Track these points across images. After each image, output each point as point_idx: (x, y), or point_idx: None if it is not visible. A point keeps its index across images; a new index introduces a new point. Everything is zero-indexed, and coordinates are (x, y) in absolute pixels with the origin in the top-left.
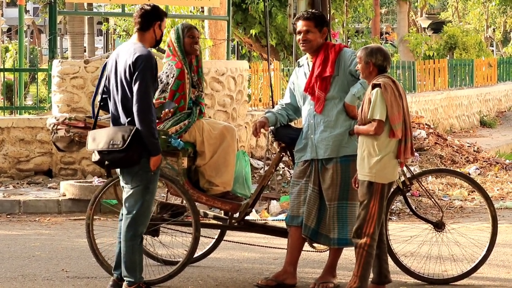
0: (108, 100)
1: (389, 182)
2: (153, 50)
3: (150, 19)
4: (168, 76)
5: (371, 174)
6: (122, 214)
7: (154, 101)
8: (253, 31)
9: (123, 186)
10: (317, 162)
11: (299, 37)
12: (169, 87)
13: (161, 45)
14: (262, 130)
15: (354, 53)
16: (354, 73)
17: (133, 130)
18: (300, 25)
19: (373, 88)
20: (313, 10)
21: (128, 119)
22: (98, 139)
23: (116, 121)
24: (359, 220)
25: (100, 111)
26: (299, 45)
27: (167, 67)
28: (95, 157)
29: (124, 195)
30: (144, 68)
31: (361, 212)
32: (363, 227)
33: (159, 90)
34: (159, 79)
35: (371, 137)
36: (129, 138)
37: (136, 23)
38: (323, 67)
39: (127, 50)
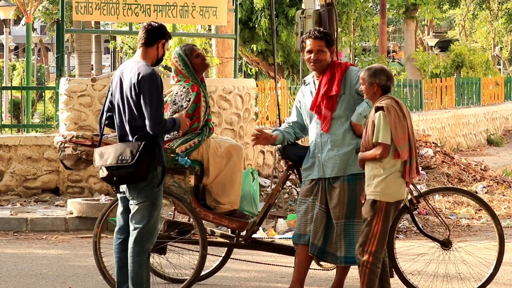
0: (114, 118)
1: (395, 200)
2: (160, 68)
3: (156, 36)
4: (183, 99)
5: (376, 192)
6: (116, 232)
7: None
8: (254, 47)
9: (130, 204)
10: (324, 180)
11: (309, 55)
12: (186, 110)
13: (168, 63)
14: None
15: (360, 71)
16: (360, 92)
17: (142, 145)
18: (311, 44)
19: (376, 111)
20: (322, 29)
21: (135, 136)
22: (106, 155)
23: (123, 138)
24: (361, 237)
25: (107, 128)
26: (308, 64)
27: (182, 90)
28: (103, 173)
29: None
30: (150, 87)
31: (364, 230)
32: (366, 245)
33: (171, 111)
34: (172, 100)
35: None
36: (138, 153)
37: (141, 38)
38: (329, 86)
39: (131, 69)
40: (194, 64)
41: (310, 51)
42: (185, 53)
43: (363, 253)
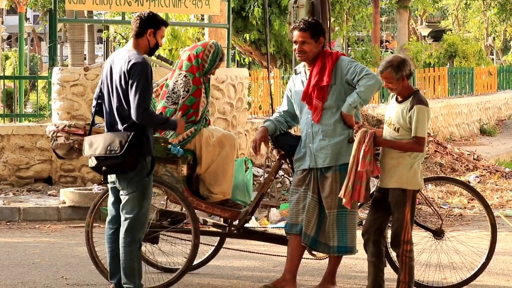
0: (103, 106)
1: (419, 188)
2: (153, 58)
3: (145, 26)
4: (182, 88)
5: (404, 181)
6: (108, 222)
7: (159, 107)
8: (247, 36)
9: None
10: (316, 170)
11: (295, 47)
12: (183, 100)
13: (162, 53)
14: (262, 145)
15: (352, 61)
16: (351, 81)
17: (131, 136)
18: (296, 35)
19: (415, 104)
20: (309, 20)
21: (124, 125)
22: (95, 145)
23: (112, 127)
24: (394, 228)
25: (99, 117)
26: (295, 55)
27: (182, 79)
28: (92, 162)
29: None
30: (139, 74)
31: (395, 221)
32: (401, 235)
33: (169, 99)
34: (171, 89)
35: None
36: (127, 143)
37: (132, 29)
38: (320, 76)
39: (122, 57)
40: (216, 66)
41: (295, 42)
42: (221, 53)
43: (401, 243)
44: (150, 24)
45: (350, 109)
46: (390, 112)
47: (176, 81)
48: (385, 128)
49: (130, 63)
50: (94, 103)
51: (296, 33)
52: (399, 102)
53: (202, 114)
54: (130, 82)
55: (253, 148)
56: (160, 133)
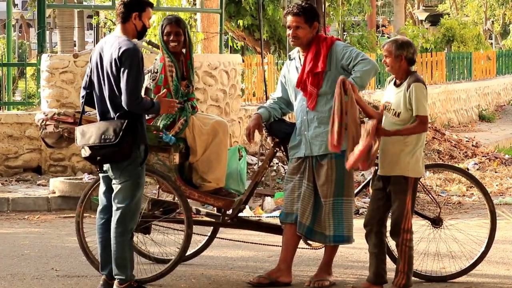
0: (94, 95)
1: (420, 176)
2: (144, 44)
3: (129, 11)
4: (157, 70)
5: (406, 169)
6: (99, 212)
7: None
8: (241, 22)
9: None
10: (311, 158)
11: (289, 32)
12: (155, 82)
13: (153, 39)
14: (256, 133)
15: (347, 46)
16: (346, 67)
17: (125, 124)
18: (290, 20)
19: (412, 83)
20: (303, 4)
21: (117, 113)
22: (88, 134)
23: (104, 115)
24: (394, 217)
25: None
26: (289, 40)
27: (154, 61)
28: (85, 152)
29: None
30: (130, 61)
31: (395, 209)
32: (401, 223)
33: (152, 82)
34: (152, 75)
35: None
36: (121, 131)
37: (117, 16)
38: (315, 62)
39: (112, 44)
40: (164, 40)
41: (289, 27)
42: (161, 23)
43: (400, 232)
44: (134, 8)
45: None
46: (389, 97)
47: (154, 67)
48: (384, 114)
49: (121, 50)
50: (82, 92)
51: (289, 18)
52: (397, 86)
53: (175, 88)
54: (122, 69)
55: (246, 135)
56: (148, 121)
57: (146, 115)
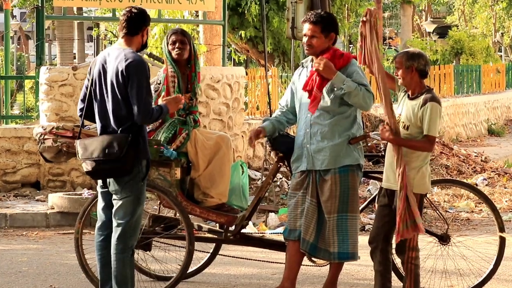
0: (95, 108)
1: (426, 192)
2: (145, 56)
3: (139, 23)
4: (160, 82)
5: (411, 185)
6: (97, 229)
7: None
8: (243, 33)
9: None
10: (314, 173)
11: (304, 40)
12: (157, 93)
13: (154, 51)
14: (258, 138)
15: (360, 69)
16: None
17: (129, 138)
18: (306, 28)
19: (428, 101)
20: (322, 13)
21: (120, 127)
22: (91, 148)
23: (105, 129)
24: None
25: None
26: (303, 47)
27: (158, 74)
28: (88, 166)
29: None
30: (139, 74)
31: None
32: (407, 241)
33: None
34: (155, 86)
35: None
36: (126, 146)
37: (123, 28)
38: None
39: (117, 56)
40: (169, 50)
41: (305, 35)
42: (167, 35)
43: (406, 249)
44: (144, 21)
45: (340, 81)
46: (401, 109)
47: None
48: None
49: (128, 62)
50: (80, 105)
51: (306, 25)
52: (411, 99)
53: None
54: (130, 82)
55: (248, 140)
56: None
57: (146, 128)
